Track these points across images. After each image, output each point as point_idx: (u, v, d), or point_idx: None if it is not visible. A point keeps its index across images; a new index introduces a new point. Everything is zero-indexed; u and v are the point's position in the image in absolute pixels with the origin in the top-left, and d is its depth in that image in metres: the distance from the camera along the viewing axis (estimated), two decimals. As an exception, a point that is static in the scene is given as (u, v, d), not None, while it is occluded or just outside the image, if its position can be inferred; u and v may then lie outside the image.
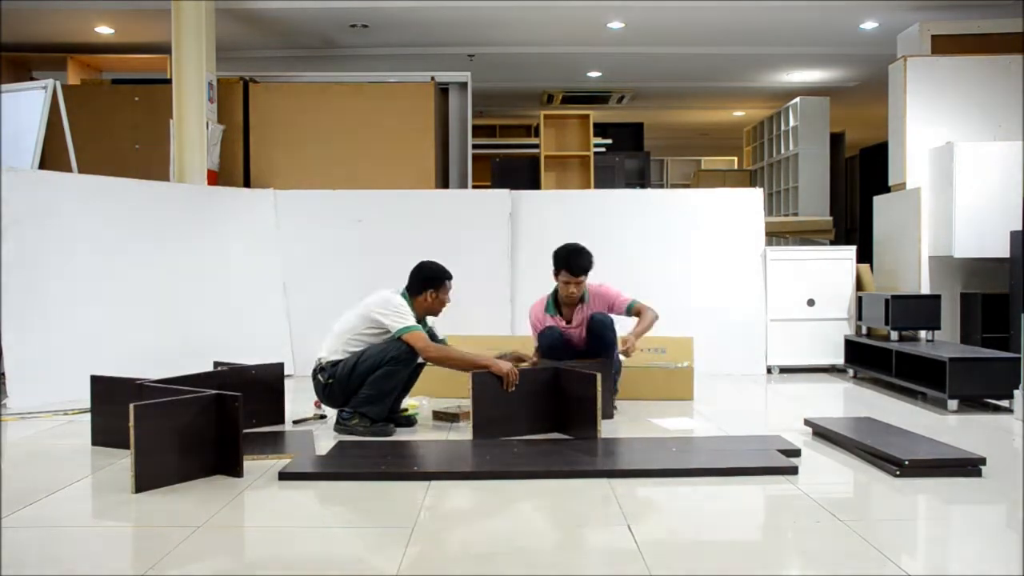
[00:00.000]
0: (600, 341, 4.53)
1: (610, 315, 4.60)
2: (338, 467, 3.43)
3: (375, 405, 4.00)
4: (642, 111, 11.55)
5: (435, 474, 3.33)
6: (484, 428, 3.93)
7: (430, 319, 4.27)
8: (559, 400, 4.07)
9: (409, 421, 4.27)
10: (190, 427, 3.24)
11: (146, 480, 3.10)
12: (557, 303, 4.64)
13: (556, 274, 4.56)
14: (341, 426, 4.06)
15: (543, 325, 4.63)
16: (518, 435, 3.95)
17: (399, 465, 3.47)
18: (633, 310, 4.60)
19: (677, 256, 6.32)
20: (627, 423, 4.36)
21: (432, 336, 4.19)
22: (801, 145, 9.84)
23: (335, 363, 4.07)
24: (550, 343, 4.51)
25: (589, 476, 3.30)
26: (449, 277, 4.23)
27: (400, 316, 4.02)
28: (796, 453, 3.62)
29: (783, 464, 3.39)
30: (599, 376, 3.84)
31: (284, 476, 3.27)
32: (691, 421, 4.49)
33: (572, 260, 4.49)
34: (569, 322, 4.62)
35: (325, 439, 3.96)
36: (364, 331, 4.08)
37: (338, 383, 4.04)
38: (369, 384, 3.98)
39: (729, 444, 3.85)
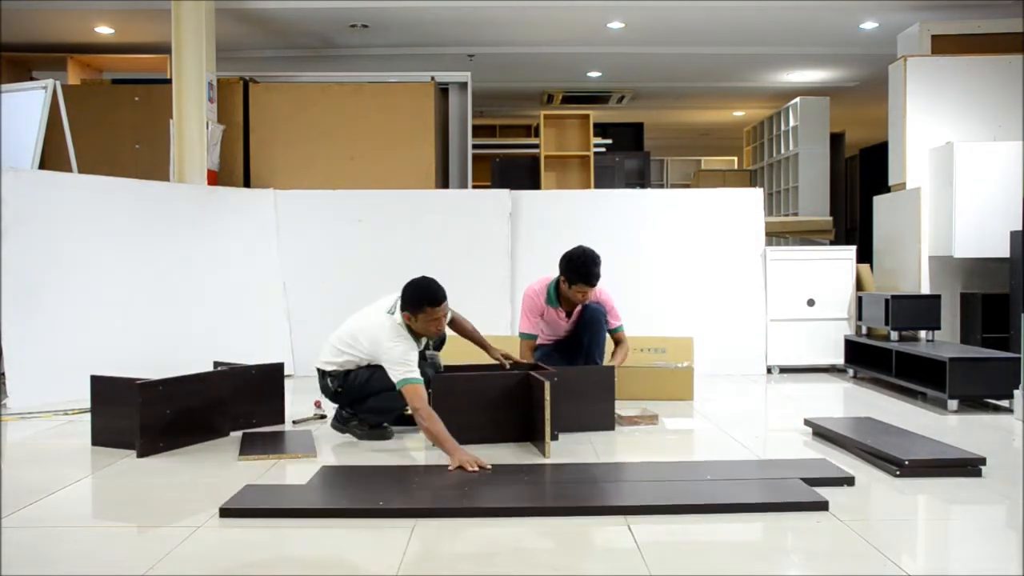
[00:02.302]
0: (591, 330, 4.57)
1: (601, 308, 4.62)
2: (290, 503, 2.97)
3: (379, 416, 4.00)
4: (642, 111, 11.55)
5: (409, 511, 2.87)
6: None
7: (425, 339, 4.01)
8: (520, 409, 3.87)
9: (413, 419, 4.24)
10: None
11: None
12: (558, 297, 4.61)
13: (570, 283, 4.44)
14: (338, 424, 4.06)
15: (538, 314, 4.63)
16: (478, 443, 3.69)
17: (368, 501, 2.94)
18: (615, 336, 4.69)
19: (677, 256, 6.32)
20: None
21: (430, 359, 4.06)
22: (801, 145, 9.84)
23: (346, 373, 3.97)
24: (541, 357, 4.60)
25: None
26: (432, 303, 3.73)
27: (403, 367, 3.70)
28: (849, 481, 3.17)
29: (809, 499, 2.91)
30: (548, 384, 3.55)
31: (225, 513, 2.82)
32: (692, 421, 4.49)
33: (591, 271, 4.41)
34: (569, 316, 4.67)
35: (325, 439, 3.96)
36: (369, 357, 3.92)
37: (347, 393, 3.99)
38: (377, 398, 3.91)
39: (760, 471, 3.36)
